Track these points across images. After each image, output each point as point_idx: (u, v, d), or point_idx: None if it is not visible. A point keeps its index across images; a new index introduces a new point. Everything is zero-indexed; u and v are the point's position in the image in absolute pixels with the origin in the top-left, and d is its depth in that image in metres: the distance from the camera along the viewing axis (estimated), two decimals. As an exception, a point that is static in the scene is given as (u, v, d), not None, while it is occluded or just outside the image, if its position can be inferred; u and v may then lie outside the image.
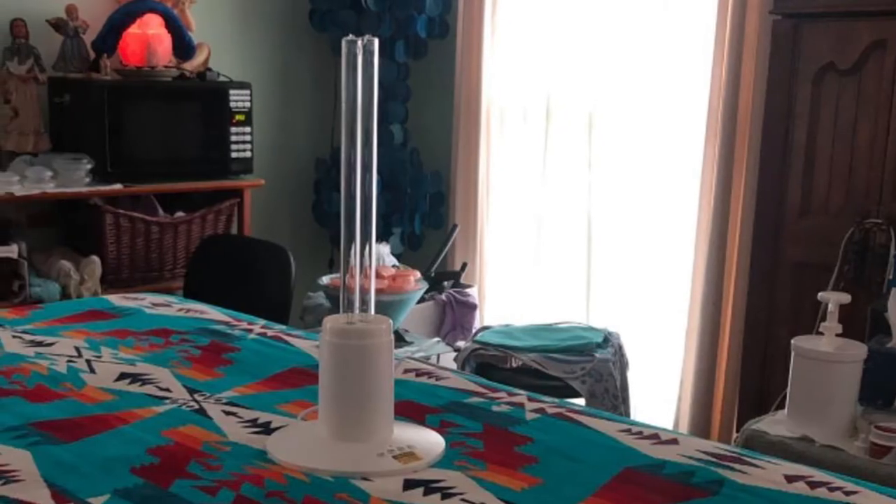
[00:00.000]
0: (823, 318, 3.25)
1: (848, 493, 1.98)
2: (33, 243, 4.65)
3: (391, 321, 2.18)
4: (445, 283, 5.33)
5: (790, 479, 2.04)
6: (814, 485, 2.01)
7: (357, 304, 2.18)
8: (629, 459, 2.13)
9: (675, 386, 4.83)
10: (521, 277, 5.62)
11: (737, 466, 2.10)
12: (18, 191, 4.42)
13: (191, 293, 4.50)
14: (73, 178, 4.58)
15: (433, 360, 4.53)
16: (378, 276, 4.40)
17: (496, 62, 5.53)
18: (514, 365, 4.38)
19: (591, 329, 4.64)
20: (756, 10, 4.38)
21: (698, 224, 4.69)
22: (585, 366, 4.27)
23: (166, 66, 4.97)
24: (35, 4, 4.80)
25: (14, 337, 3.01)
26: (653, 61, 4.95)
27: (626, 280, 5.18)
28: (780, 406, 3.44)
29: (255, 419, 2.33)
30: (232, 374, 2.69)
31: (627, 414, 4.40)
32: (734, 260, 4.57)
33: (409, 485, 1.96)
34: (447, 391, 2.59)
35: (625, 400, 4.41)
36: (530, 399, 2.54)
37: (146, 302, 3.52)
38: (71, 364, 2.73)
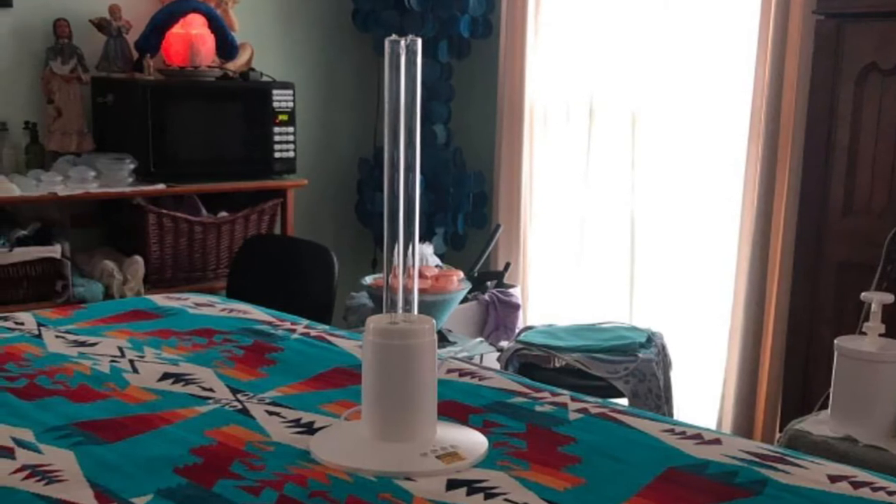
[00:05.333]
0: (866, 318, 3.23)
1: (891, 494, 1.97)
2: (76, 243, 4.69)
3: (434, 321, 2.19)
4: (488, 282, 5.32)
5: (833, 479, 2.04)
6: (857, 485, 2.01)
7: (400, 304, 2.19)
8: (672, 459, 2.13)
9: (718, 386, 4.81)
10: (565, 277, 5.60)
11: (780, 466, 2.10)
12: (62, 191, 4.45)
13: (234, 293, 4.52)
14: (117, 178, 4.60)
15: (476, 360, 4.53)
16: (421, 276, 4.40)
17: (539, 61, 5.52)
18: (557, 365, 4.37)
19: (635, 329, 4.62)
20: (799, 9, 4.36)
21: (741, 224, 4.66)
22: (629, 366, 4.25)
23: (209, 67, 4.99)
24: (78, 4, 4.84)
25: (57, 337, 3.03)
26: (696, 61, 4.92)
27: (670, 280, 5.16)
28: (824, 406, 3.42)
29: (299, 419, 2.33)
30: (275, 375, 2.70)
31: (670, 414, 4.39)
32: (777, 260, 4.55)
33: (452, 485, 1.97)
34: (490, 391, 2.59)
35: (668, 400, 4.40)
36: (573, 399, 2.54)
37: (189, 302, 3.54)
38: (114, 364, 2.75)
